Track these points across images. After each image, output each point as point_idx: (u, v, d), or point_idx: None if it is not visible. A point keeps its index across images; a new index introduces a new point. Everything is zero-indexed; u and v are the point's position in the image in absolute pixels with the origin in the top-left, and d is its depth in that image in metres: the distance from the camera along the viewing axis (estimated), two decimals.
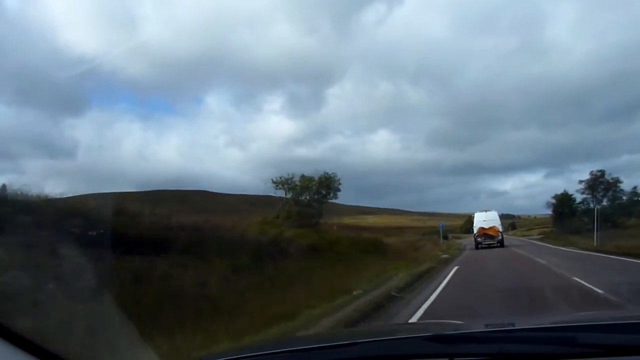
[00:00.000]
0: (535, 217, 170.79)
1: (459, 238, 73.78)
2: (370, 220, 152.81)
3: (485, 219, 39.22)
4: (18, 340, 1.60)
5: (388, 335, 2.24)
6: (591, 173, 57.61)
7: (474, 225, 40.11)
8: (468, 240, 51.79)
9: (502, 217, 50.87)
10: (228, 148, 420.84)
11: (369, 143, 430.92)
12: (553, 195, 65.23)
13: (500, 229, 39.68)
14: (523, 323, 2.37)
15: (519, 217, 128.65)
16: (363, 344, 1.96)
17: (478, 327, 2.34)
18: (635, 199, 56.49)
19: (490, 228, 38.54)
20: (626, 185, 57.11)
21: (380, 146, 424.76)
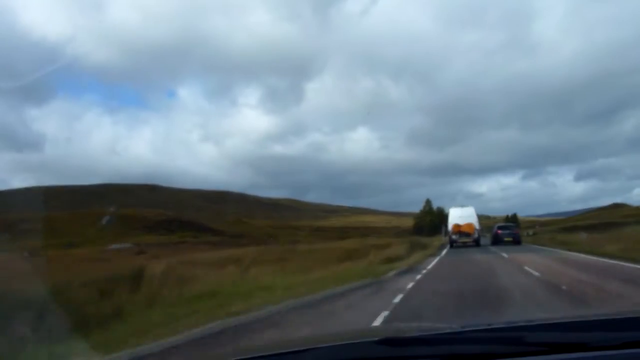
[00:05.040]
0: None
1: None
2: (332, 220, 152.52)
3: (461, 215, 37.83)
4: None
5: (340, 340, 2.20)
6: None
7: (449, 221, 38.86)
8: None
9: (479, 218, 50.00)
10: (198, 143, 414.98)
11: (348, 141, 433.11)
12: None
13: (477, 227, 38.16)
14: (474, 324, 2.41)
15: (494, 218, 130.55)
16: (311, 350, 1.97)
17: (431, 330, 2.41)
18: None
19: (466, 225, 37.17)
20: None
21: (359, 144, 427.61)
